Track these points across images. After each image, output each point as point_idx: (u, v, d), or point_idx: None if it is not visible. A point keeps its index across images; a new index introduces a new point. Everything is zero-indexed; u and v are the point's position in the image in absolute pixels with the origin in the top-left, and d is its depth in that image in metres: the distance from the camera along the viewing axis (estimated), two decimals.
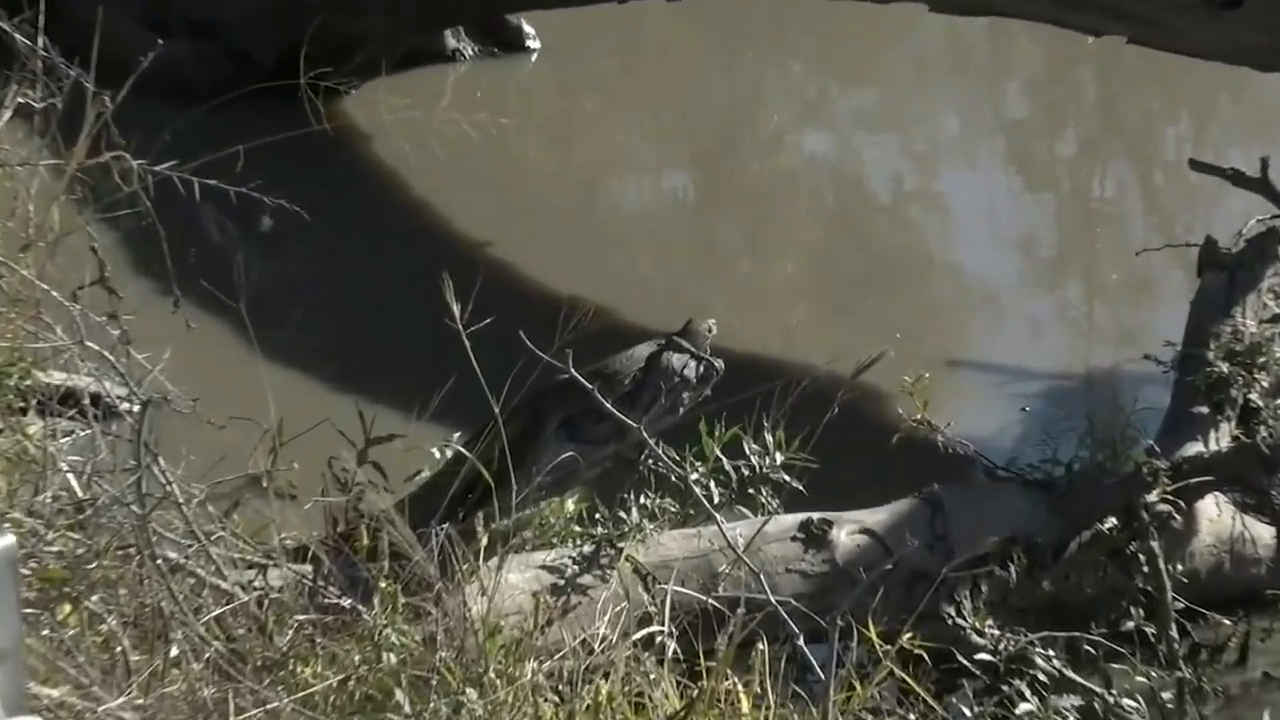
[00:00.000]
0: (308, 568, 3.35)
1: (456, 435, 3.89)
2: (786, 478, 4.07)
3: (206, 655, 2.89)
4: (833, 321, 7.09)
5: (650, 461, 3.84)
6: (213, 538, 3.31)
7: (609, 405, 3.51)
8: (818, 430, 3.93)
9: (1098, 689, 4.05)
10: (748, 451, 4.06)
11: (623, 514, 3.98)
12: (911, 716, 3.50)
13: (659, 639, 3.44)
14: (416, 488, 3.81)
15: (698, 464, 3.98)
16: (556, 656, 3.19)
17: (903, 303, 7.25)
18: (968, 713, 3.91)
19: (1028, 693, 3.95)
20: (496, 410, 3.46)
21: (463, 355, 3.33)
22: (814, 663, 3.30)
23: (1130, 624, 4.35)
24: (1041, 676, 4.02)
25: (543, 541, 3.96)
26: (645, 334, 3.96)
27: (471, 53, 9.35)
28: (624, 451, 3.79)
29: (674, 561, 3.88)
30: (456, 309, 3.30)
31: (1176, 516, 4.50)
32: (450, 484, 3.56)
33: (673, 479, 3.87)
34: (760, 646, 3.20)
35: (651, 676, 3.20)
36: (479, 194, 8.00)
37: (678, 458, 3.87)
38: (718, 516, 3.74)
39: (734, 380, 3.89)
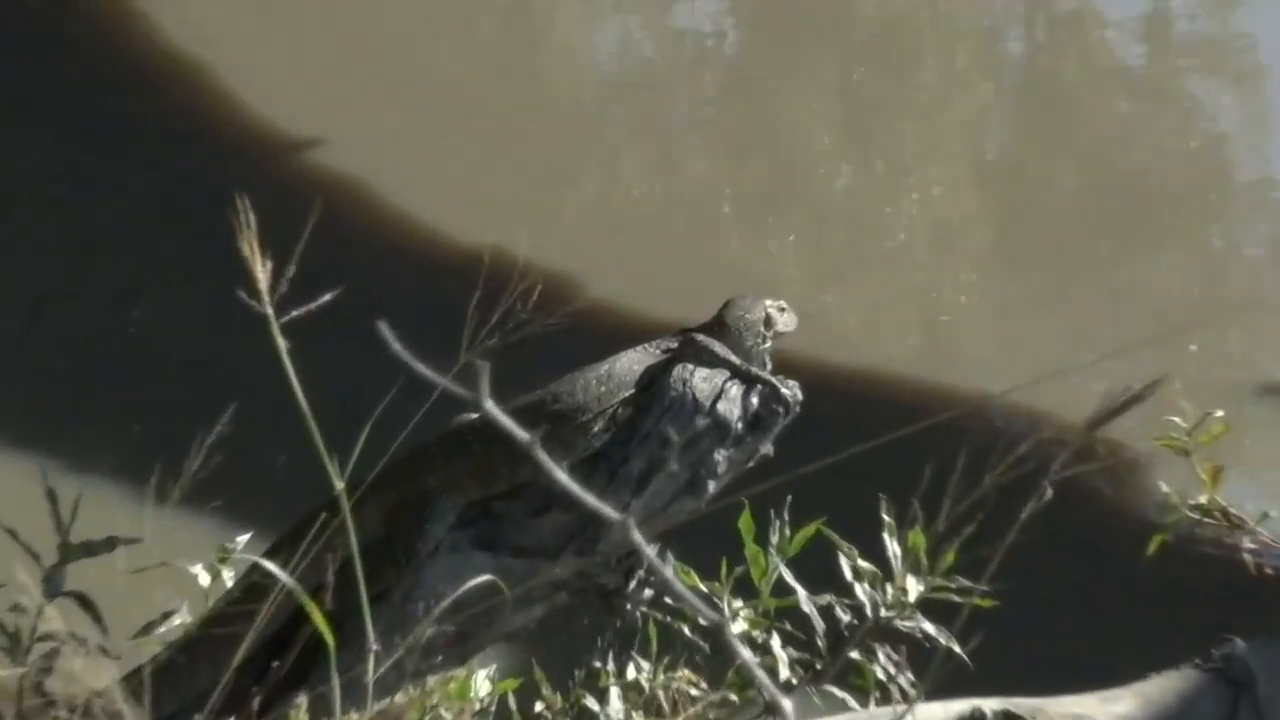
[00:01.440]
0: None
1: (244, 538, 3.91)
2: (930, 628, 4.08)
3: None
4: (1022, 313, 7.09)
5: (648, 593, 3.84)
6: None
7: (562, 474, 3.34)
8: (1008, 536, 3.84)
9: None
10: (848, 574, 4.06)
11: (592, 702, 3.94)
12: None
13: None
14: (169, 645, 3.86)
15: (744, 602, 3.98)
16: None
17: (1164, 276, 7.31)
18: None
19: None
20: (339, 486, 3.40)
21: (271, 371, 3.29)
22: None
23: None
24: None
25: None
26: (641, 329, 4.01)
27: None
28: (593, 573, 3.76)
29: None
30: (261, 274, 3.25)
31: None
32: (239, 637, 3.53)
33: (696, 627, 3.90)
34: None
35: None
36: (323, 69, 8.28)
37: (705, 589, 3.87)
38: (787, 705, 3.66)
39: (822, 423, 3.85)
